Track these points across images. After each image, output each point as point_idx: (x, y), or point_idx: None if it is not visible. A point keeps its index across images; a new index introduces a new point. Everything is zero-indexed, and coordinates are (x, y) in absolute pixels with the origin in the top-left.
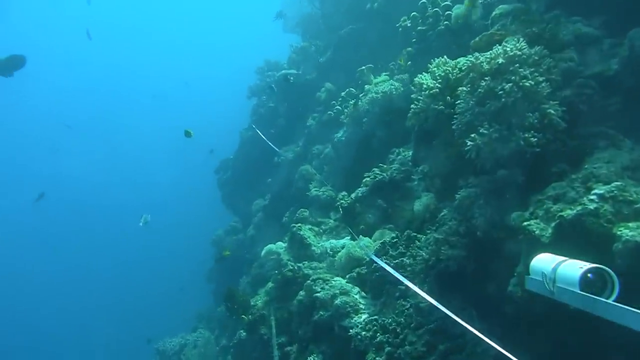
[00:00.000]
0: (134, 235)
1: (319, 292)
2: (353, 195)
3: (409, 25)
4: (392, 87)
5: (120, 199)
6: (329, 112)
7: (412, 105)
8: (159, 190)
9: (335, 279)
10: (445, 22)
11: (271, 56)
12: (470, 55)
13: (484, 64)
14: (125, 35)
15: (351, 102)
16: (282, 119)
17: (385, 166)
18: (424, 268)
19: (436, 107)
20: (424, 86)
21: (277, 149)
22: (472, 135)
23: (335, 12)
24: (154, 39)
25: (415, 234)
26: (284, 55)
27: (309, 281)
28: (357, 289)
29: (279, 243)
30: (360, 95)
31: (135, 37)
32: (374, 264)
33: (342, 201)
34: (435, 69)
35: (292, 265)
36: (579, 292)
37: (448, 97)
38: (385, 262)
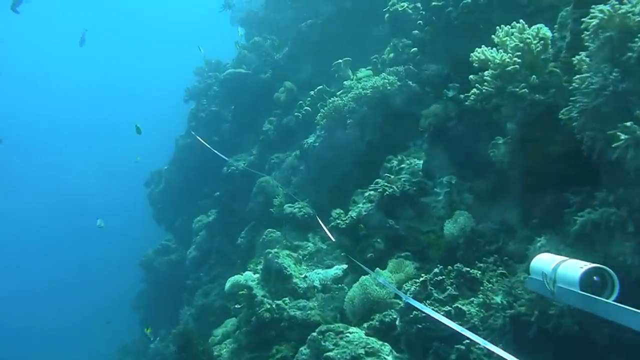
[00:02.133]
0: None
1: (331, 350)
2: (354, 214)
3: (400, 9)
4: (386, 81)
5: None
6: (296, 113)
7: (474, 91)
8: (77, 203)
9: (350, 330)
10: None
11: (212, 54)
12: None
13: (631, 15)
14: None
15: (330, 101)
16: (227, 125)
17: (392, 177)
18: (506, 324)
19: (515, 89)
20: (494, 63)
21: (225, 158)
22: (626, 124)
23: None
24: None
25: (467, 269)
26: (227, 53)
27: (314, 334)
28: (387, 346)
29: (248, 273)
30: (339, 92)
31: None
32: (414, 311)
33: (338, 221)
34: (507, 39)
35: (269, 304)
36: (579, 292)
37: (534, 77)
38: (432, 309)
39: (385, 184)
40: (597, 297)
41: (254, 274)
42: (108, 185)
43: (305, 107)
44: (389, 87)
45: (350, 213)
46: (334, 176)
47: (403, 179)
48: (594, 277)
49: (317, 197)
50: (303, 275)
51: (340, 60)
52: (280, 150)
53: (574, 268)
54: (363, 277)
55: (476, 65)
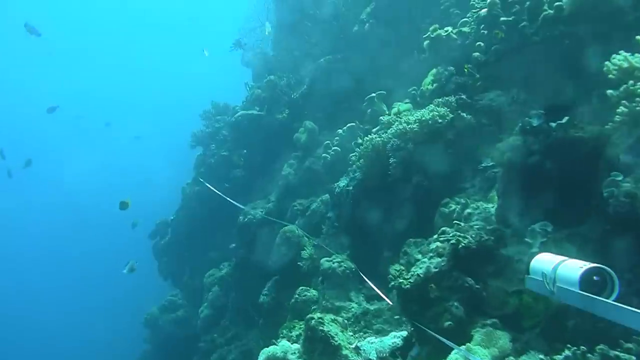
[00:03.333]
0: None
1: None
2: (420, 271)
3: (444, 34)
4: (435, 113)
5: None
6: (324, 154)
7: (621, 110)
8: (74, 260)
9: None
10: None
11: (219, 98)
12: None
13: None
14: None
15: (366, 139)
16: (239, 170)
17: (462, 224)
18: None
19: None
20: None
21: (241, 206)
22: None
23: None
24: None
25: (616, 352)
26: (234, 97)
27: None
28: None
29: (284, 344)
30: (375, 129)
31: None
32: None
33: (400, 280)
34: None
35: None
36: (579, 292)
37: None
38: None
39: (458, 233)
40: (597, 297)
41: (291, 343)
42: (109, 238)
43: (334, 147)
44: (439, 121)
45: (414, 270)
46: (372, 224)
47: (476, 226)
48: (594, 277)
49: (353, 248)
50: (353, 345)
51: (373, 94)
52: (302, 195)
53: (573, 268)
54: (453, 358)
55: (613, 76)
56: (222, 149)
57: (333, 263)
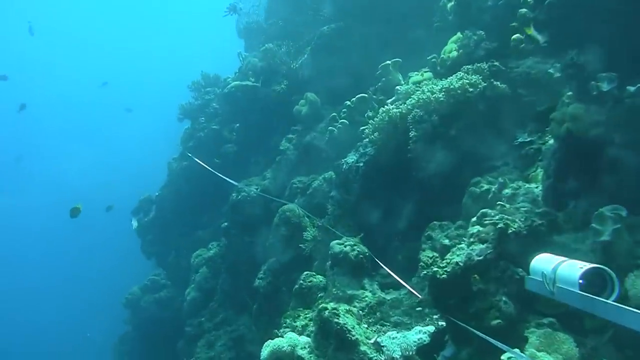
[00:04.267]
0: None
1: None
2: (459, 259)
3: None
4: (466, 82)
5: None
6: (330, 128)
7: None
8: (51, 235)
9: None
10: None
11: (210, 68)
12: None
13: None
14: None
15: (382, 110)
16: (231, 145)
17: (507, 206)
18: None
19: None
20: None
21: (234, 183)
22: None
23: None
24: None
25: None
26: (226, 66)
27: None
28: None
29: (292, 336)
30: (390, 100)
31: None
32: None
33: (435, 269)
34: None
35: None
36: (579, 292)
37: None
38: None
39: (505, 216)
40: (597, 298)
41: (299, 335)
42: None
43: (342, 120)
44: (470, 90)
45: (451, 257)
46: (385, 205)
47: (523, 209)
48: (594, 277)
49: (360, 231)
50: (372, 340)
51: (388, 62)
52: (302, 172)
53: (573, 268)
54: None
55: None
56: (212, 123)
57: (345, 247)
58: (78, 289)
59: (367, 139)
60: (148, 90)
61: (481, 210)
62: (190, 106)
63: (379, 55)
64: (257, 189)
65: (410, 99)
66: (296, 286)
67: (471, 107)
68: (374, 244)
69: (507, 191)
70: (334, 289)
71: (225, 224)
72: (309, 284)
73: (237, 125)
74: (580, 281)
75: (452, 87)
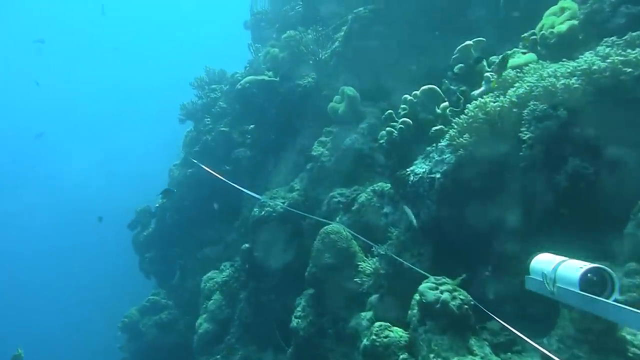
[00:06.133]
0: None
1: None
2: None
3: None
4: (617, 59)
5: None
6: (388, 128)
7: None
8: (39, 251)
9: None
10: None
11: (215, 62)
12: None
13: None
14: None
15: (474, 105)
16: (244, 149)
17: None
18: None
19: None
20: None
21: (256, 196)
22: None
23: None
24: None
25: None
26: (235, 62)
27: None
28: None
29: None
30: (479, 92)
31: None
32: None
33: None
34: None
35: None
36: (579, 292)
37: None
38: None
39: None
40: (597, 297)
41: None
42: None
43: (403, 119)
44: (626, 71)
45: None
46: (473, 227)
47: None
48: (594, 277)
49: (437, 262)
50: None
51: (469, 42)
52: (341, 183)
53: (573, 268)
54: None
55: None
56: (220, 124)
57: (441, 293)
58: (68, 312)
59: (444, 143)
60: (145, 89)
61: None
62: (193, 106)
63: (428, 40)
64: (284, 203)
65: (515, 89)
66: (366, 342)
67: (625, 94)
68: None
69: None
70: (432, 355)
71: (247, 245)
72: (385, 340)
73: (251, 126)
74: (589, 275)
75: (593, 68)
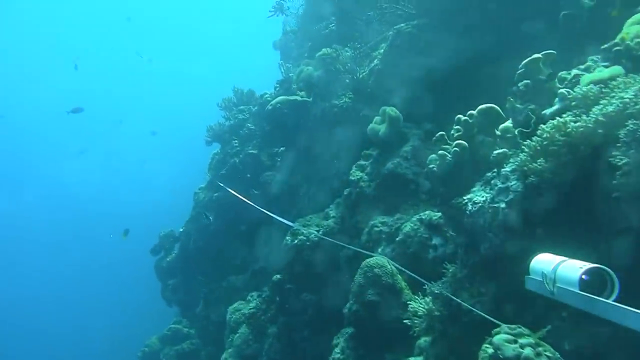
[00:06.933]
0: None
1: None
2: None
3: None
4: None
5: None
6: (440, 152)
7: None
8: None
9: None
10: None
11: (245, 83)
12: None
13: None
14: None
15: (549, 125)
16: (273, 173)
17: None
18: None
19: None
20: None
21: (289, 223)
22: None
23: None
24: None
25: None
26: (263, 82)
27: None
28: None
29: None
30: (552, 111)
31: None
32: None
33: None
34: None
35: None
36: (579, 292)
37: None
38: None
39: None
40: (597, 297)
41: None
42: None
43: (458, 142)
44: None
45: None
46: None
47: None
48: (594, 277)
49: (509, 307)
50: None
51: (537, 55)
52: (382, 210)
53: (573, 268)
54: None
55: None
56: (248, 146)
57: (522, 347)
58: (84, 340)
59: (509, 168)
60: (171, 110)
61: None
62: (220, 127)
63: (477, 59)
64: (318, 231)
65: (601, 107)
66: None
67: None
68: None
69: None
70: None
71: (278, 276)
72: None
73: (282, 148)
74: (584, 277)
75: None
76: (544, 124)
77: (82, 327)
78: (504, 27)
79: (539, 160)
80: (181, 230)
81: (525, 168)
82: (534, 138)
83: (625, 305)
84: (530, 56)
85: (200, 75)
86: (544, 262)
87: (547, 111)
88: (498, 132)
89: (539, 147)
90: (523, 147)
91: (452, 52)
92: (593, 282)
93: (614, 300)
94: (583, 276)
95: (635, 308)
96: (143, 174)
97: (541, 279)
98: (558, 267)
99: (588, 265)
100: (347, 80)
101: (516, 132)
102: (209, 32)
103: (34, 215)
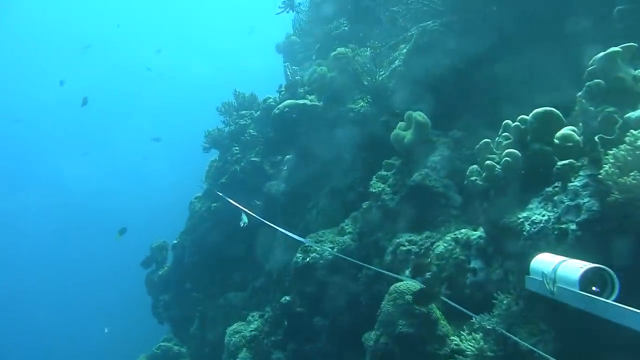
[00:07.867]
0: None
1: None
2: None
3: None
4: None
5: None
6: (487, 162)
7: None
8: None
9: None
10: None
11: (244, 86)
12: None
13: None
14: None
15: None
16: (278, 183)
17: None
18: None
19: None
20: None
21: (300, 239)
22: None
23: None
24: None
25: None
26: (263, 86)
27: None
28: None
29: None
30: (637, 114)
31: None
32: None
33: None
34: None
35: None
36: (579, 292)
37: None
38: None
39: None
40: (597, 297)
41: None
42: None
43: (509, 150)
44: None
45: None
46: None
47: None
48: (594, 277)
49: (577, 348)
50: None
51: (616, 48)
52: (408, 227)
53: (573, 268)
54: None
55: None
56: (250, 153)
57: None
58: (80, 340)
59: (579, 182)
60: (171, 113)
61: None
62: (219, 133)
63: (513, 58)
64: (333, 249)
65: None
66: None
67: None
68: None
69: None
70: None
71: (287, 298)
72: None
73: (288, 156)
74: (586, 274)
75: None
76: (635, 129)
77: (79, 329)
78: (542, 25)
79: (632, 174)
80: (175, 242)
81: (609, 182)
82: (621, 147)
83: (625, 305)
84: (605, 50)
85: (200, 76)
86: (544, 262)
87: (632, 115)
88: (556, 140)
89: (630, 158)
90: (609, 157)
91: (482, 52)
92: (593, 282)
93: (614, 300)
94: (589, 275)
95: (635, 308)
96: (141, 175)
97: (541, 279)
98: (558, 267)
99: (588, 265)
100: (366, 83)
101: (596, 138)
102: (208, 32)
103: (34, 215)
